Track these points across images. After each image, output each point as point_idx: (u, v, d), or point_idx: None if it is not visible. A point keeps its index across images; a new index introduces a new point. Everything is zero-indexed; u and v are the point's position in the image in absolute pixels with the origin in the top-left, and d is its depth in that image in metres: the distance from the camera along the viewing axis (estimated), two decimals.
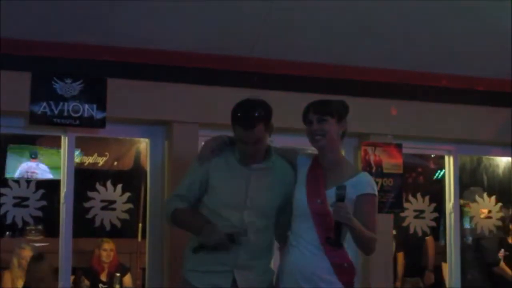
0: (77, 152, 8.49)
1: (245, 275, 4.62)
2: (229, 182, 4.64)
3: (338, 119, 4.55)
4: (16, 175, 7.80)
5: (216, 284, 4.60)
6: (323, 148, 4.53)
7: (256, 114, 4.56)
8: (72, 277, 7.16)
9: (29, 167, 7.86)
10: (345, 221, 4.26)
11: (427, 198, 7.32)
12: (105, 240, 8.75)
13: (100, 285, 8.61)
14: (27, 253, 7.96)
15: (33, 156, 8.00)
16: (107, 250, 8.80)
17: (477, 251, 8.27)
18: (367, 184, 4.51)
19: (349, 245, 4.51)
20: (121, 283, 8.67)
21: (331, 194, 4.37)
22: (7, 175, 6.80)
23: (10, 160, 7.08)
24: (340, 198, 4.26)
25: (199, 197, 4.70)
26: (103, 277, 8.64)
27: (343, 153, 4.97)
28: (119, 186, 6.40)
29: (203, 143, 4.94)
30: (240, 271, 4.60)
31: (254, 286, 4.62)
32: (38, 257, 7.40)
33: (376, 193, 4.54)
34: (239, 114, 4.59)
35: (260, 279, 4.67)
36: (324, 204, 4.44)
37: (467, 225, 8.19)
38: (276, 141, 6.41)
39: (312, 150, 4.70)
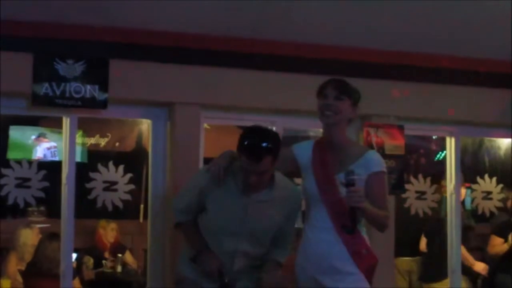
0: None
1: (239, 280, 4.71)
2: (226, 209, 4.62)
3: (352, 103, 4.55)
4: (38, 154, 7.87)
5: (209, 280, 4.69)
6: (332, 125, 4.48)
7: (264, 145, 4.41)
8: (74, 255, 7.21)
9: (50, 146, 7.93)
10: (358, 205, 4.25)
11: (428, 179, 7.32)
12: (108, 221, 8.80)
13: (104, 262, 8.67)
14: (34, 233, 8.00)
15: (44, 137, 8.06)
16: (111, 230, 8.85)
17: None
18: (375, 162, 4.50)
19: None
20: (123, 264, 8.73)
21: (341, 178, 4.35)
22: (11, 156, 6.83)
23: (14, 141, 7.12)
24: (350, 183, 4.24)
25: (200, 210, 4.73)
26: (107, 256, 8.69)
27: None
28: (121, 167, 6.40)
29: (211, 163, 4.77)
30: (234, 277, 4.69)
31: None
32: (51, 236, 7.43)
33: (385, 169, 4.55)
34: (246, 143, 4.45)
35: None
36: (336, 190, 4.42)
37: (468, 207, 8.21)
38: (279, 122, 6.48)
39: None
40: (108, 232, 8.87)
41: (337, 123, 4.48)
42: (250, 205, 4.60)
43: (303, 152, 4.64)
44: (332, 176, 4.46)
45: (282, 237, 4.78)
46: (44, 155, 8.42)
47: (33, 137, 8.30)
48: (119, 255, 8.81)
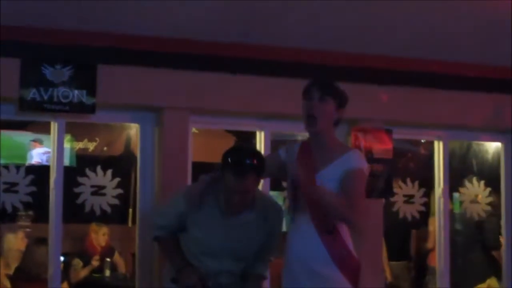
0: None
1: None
2: (207, 231, 4.61)
3: (338, 105, 4.47)
4: (34, 159, 7.82)
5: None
6: (314, 130, 4.42)
7: (248, 162, 4.42)
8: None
9: (45, 151, 7.92)
10: (316, 197, 4.22)
11: (416, 183, 7.33)
12: (100, 225, 8.77)
13: (93, 263, 8.65)
14: (19, 238, 7.98)
15: (38, 142, 8.04)
16: (102, 234, 8.82)
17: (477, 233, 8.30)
18: (353, 159, 4.39)
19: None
20: (112, 268, 8.70)
21: (320, 177, 4.32)
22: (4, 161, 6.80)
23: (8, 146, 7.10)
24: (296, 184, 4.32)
25: (180, 229, 4.71)
26: (95, 261, 8.66)
27: None
28: (109, 172, 6.38)
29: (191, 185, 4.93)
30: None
31: None
32: (39, 241, 7.41)
33: (364, 167, 4.42)
34: (230, 160, 4.45)
35: None
36: None
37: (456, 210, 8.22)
38: (267, 126, 6.49)
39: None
40: (100, 236, 8.84)
41: (323, 124, 4.41)
42: (231, 228, 4.60)
43: (290, 155, 4.59)
44: (312, 174, 4.38)
45: (264, 252, 4.80)
46: (41, 160, 8.45)
47: (30, 140, 8.33)
48: (107, 259, 8.79)
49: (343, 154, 4.41)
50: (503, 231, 7.52)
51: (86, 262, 8.60)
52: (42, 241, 7.21)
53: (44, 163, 7.57)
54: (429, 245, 8.50)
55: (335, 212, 4.30)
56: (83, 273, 8.52)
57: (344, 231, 4.40)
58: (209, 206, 4.60)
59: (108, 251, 8.86)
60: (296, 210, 4.48)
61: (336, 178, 4.31)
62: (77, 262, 8.49)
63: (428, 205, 7.52)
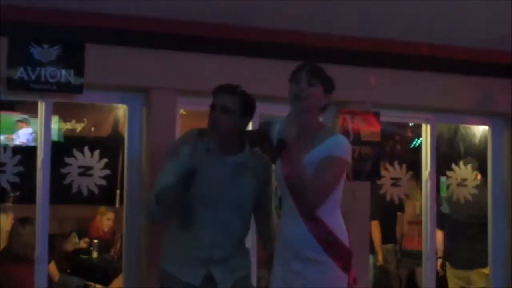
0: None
1: (222, 270, 4.67)
2: (206, 175, 4.61)
3: (325, 90, 4.43)
4: (21, 139, 7.79)
5: (190, 274, 4.66)
6: (303, 111, 4.36)
7: (236, 85, 4.68)
8: None
9: (32, 131, 7.90)
10: (287, 138, 4.15)
11: (404, 166, 7.34)
12: (108, 209, 8.77)
13: (92, 248, 8.67)
14: (8, 219, 7.97)
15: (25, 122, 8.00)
16: (110, 219, 8.82)
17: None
18: (335, 146, 4.30)
19: None
20: (99, 250, 8.72)
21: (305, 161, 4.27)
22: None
23: None
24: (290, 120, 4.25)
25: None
26: (94, 244, 8.68)
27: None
28: (97, 152, 6.36)
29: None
30: (216, 267, 4.66)
31: (232, 281, 4.68)
32: (23, 220, 7.40)
33: (344, 155, 4.32)
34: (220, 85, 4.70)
35: (238, 274, 4.73)
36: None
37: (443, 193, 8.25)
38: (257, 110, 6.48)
39: None
40: (104, 220, 8.84)
41: (309, 108, 4.37)
42: (224, 168, 4.64)
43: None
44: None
45: (263, 205, 4.82)
46: (27, 140, 8.42)
47: (16, 120, 8.31)
48: (95, 240, 8.80)
49: (326, 139, 4.34)
50: (489, 215, 7.55)
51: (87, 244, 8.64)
52: (26, 221, 7.20)
53: (31, 143, 7.53)
54: (404, 228, 8.59)
55: (298, 187, 4.24)
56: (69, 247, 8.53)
57: (328, 217, 4.30)
58: (202, 151, 4.63)
59: (110, 240, 8.87)
60: (284, 196, 4.45)
61: (316, 164, 4.26)
62: (74, 235, 8.51)
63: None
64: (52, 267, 7.73)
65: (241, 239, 4.85)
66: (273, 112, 6.85)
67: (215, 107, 4.66)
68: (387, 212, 8.55)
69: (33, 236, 6.24)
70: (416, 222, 8.40)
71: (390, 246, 8.68)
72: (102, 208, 8.80)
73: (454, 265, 8.25)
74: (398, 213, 8.78)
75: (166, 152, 4.88)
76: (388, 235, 8.74)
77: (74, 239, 8.70)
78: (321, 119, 4.54)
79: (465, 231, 8.08)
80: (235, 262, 4.76)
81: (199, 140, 4.65)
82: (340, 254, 4.30)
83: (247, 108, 4.72)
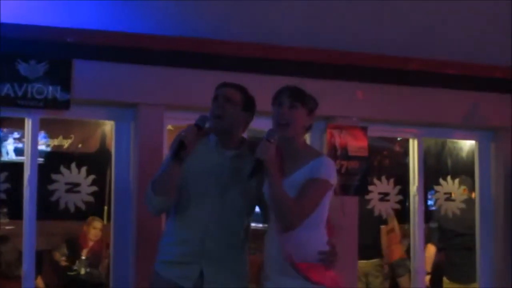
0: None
1: (214, 267, 4.57)
2: (201, 164, 4.60)
3: (308, 111, 4.48)
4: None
5: (182, 275, 4.58)
6: (286, 135, 4.41)
7: (233, 83, 4.75)
8: None
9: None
10: (263, 157, 4.17)
11: (392, 180, 7.35)
12: (95, 219, 8.73)
13: (77, 261, 8.62)
14: None
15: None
16: (96, 228, 8.79)
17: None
18: (319, 168, 4.35)
19: None
20: (88, 265, 8.67)
21: (285, 183, 4.30)
22: None
23: None
24: (269, 139, 4.25)
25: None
26: (84, 254, 8.63)
27: (307, 138, 4.89)
28: (84, 169, 6.34)
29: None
30: (208, 263, 4.57)
31: (222, 280, 4.58)
32: (3, 238, 7.36)
33: (328, 177, 4.37)
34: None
35: (231, 275, 4.62)
36: None
37: (432, 208, 8.25)
38: None
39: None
40: (91, 230, 8.80)
41: (292, 131, 4.41)
42: (221, 159, 4.63)
43: None
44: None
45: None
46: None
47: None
48: (83, 257, 8.77)
49: (310, 161, 4.38)
50: (477, 228, 7.56)
51: (72, 251, 8.58)
52: (6, 239, 7.17)
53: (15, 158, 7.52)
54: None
55: (276, 203, 4.27)
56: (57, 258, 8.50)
57: (307, 236, 4.35)
58: (202, 145, 4.63)
59: (99, 249, 8.82)
60: (270, 211, 4.47)
61: (300, 185, 4.30)
62: (63, 246, 8.48)
63: (403, 203, 7.53)
64: (39, 282, 7.68)
65: (237, 238, 4.68)
66: (260, 127, 6.88)
67: (218, 97, 4.68)
68: (375, 227, 8.53)
69: (14, 253, 6.20)
70: (392, 229, 8.44)
71: (376, 261, 8.65)
72: (90, 218, 8.77)
73: (453, 279, 8.23)
74: (382, 227, 8.76)
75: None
76: (374, 250, 8.71)
77: (63, 249, 8.66)
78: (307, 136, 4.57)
79: (462, 243, 8.08)
80: (230, 267, 4.65)
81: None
82: (311, 269, 4.33)
83: (249, 103, 4.74)
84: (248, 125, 4.82)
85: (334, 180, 4.44)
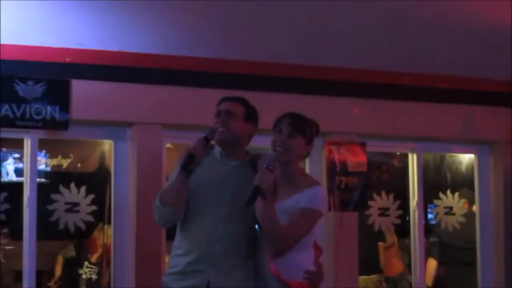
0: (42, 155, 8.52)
1: (221, 275, 4.54)
2: (207, 177, 4.60)
3: (307, 141, 4.50)
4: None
5: (190, 284, 4.55)
6: (283, 160, 4.42)
7: (234, 96, 4.77)
8: None
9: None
10: (263, 185, 4.18)
11: (391, 195, 7.35)
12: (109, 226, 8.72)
13: (86, 263, 8.58)
14: None
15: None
16: (109, 235, 8.74)
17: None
18: (313, 198, 4.39)
19: None
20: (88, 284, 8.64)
21: (278, 206, 4.32)
22: None
23: None
24: (269, 167, 4.25)
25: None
26: (93, 259, 8.59)
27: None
28: (83, 188, 6.36)
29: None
30: (215, 271, 4.54)
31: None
32: None
33: (320, 208, 4.41)
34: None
35: (238, 283, 4.57)
36: None
37: (432, 222, 8.24)
38: None
39: None
40: (101, 236, 8.76)
41: (289, 159, 4.44)
42: (226, 170, 4.64)
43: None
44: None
45: None
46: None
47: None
48: (83, 276, 8.73)
49: (305, 189, 4.41)
50: (477, 242, 7.55)
51: (80, 254, 8.55)
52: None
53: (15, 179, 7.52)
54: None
55: (269, 229, 4.32)
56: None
57: (295, 258, 4.41)
58: (208, 158, 4.63)
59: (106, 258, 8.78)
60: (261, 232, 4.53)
61: (292, 212, 4.33)
62: (71, 247, 8.47)
63: (402, 218, 7.53)
64: None
65: (243, 246, 4.64)
66: (258, 144, 6.89)
67: (220, 113, 4.70)
68: (375, 243, 8.52)
69: (10, 275, 6.18)
70: (392, 244, 8.42)
71: (377, 276, 8.62)
72: (100, 225, 8.74)
73: None
74: (380, 243, 8.75)
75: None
76: (375, 266, 8.69)
77: (71, 252, 8.62)
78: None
79: (462, 258, 8.07)
80: (237, 275, 4.60)
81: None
82: None
83: (251, 114, 4.75)
84: (252, 137, 4.82)
85: (325, 209, 4.53)
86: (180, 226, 4.71)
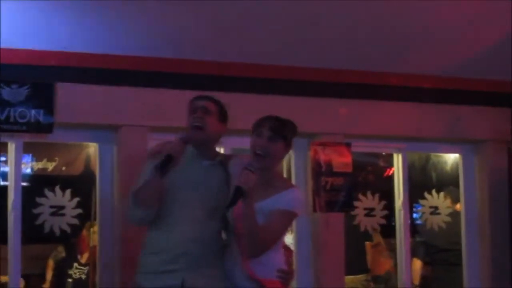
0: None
1: (195, 275, 4.58)
2: (181, 173, 4.62)
3: (287, 144, 4.55)
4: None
5: (165, 284, 4.57)
6: (262, 166, 4.45)
7: (208, 95, 4.83)
8: None
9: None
10: (245, 187, 4.21)
11: (377, 196, 7.36)
12: (94, 223, 8.66)
13: (76, 264, 8.54)
14: None
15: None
16: (93, 233, 8.70)
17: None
18: (290, 200, 4.47)
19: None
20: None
21: (255, 207, 4.33)
22: None
23: None
24: (250, 169, 4.27)
25: None
26: (82, 259, 8.55)
27: (291, 154, 4.92)
28: (68, 191, 6.34)
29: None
30: (190, 271, 4.58)
31: (203, 286, 4.58)
32: None
33: (296, 210, 4.50)
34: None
35: (212, 281, 4.62)
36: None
37: (418, 222, 8.26)
38: (226, 142, 6.45)
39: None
40: (91, 234, 8.72)
41: (268, 164, 4.49)
42: (198, 169, 4.70)
43: (236, 170, 4.61)
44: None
45: None
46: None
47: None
48: (69, 280, 8.69)
49: (282, 191, 4.50)
50: (463, 241, 7.57)
51: (69, 254, 8.51)
52: None
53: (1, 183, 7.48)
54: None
55: (248, 231, 4.35)
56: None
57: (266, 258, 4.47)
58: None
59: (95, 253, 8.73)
60: (231, 233, 4.62)
61: (268, 213, 4.38)
62: (61, 249, 8.42)
63: (388, 218, 7.53)
64: None
65: (215, 244, 4.72)
66: (244, 145, 6.88)
67: (196, 110, 4.73)
68: (361, 243, 8.53)
69: None
70: (378, 244, 8.44)
71: (364, 276, 8.64)
72: (88, 223, 8.70)
73: None
74: (367, 243, 8.76)
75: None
76: (361, 266, 8.71)
77: (61, 254, 8.58)
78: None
79: (448, 258, 8.08)
80: (210, 273, 4.65)
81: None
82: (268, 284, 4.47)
83: (224, 114, 4.83)
84: (221, 137, 4.88)
85: (301, 212, 4.62)
86: (151, 225, 4.72)
